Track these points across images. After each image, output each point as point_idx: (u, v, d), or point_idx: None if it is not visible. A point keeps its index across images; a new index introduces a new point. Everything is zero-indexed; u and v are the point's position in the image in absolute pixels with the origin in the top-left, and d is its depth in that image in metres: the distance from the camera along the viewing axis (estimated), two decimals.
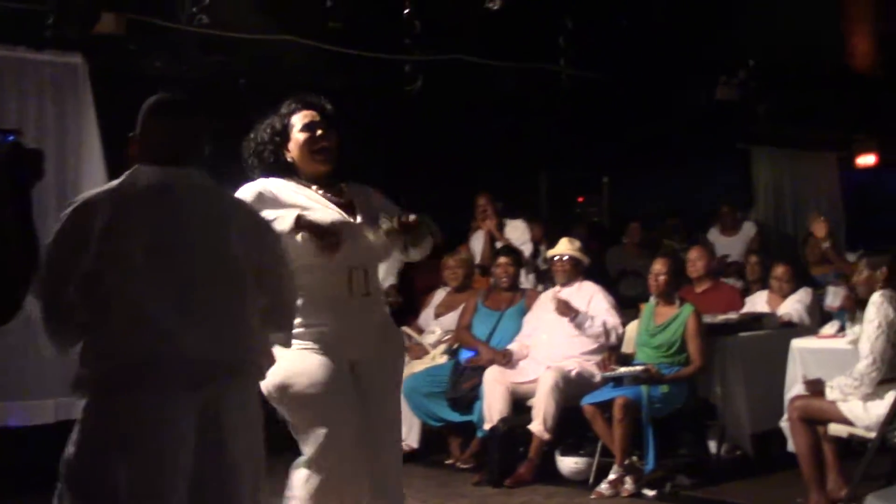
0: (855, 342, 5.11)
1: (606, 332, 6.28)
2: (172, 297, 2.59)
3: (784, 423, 5.43)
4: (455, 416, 6.49)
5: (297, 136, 3.53)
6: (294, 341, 3.15)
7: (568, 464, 6.04)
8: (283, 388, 3.33)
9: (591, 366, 6.19)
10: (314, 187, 3.52)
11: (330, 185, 3.56)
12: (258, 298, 2.79)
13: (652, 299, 6.18)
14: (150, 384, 2.54)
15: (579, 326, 6.22)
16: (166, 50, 6.41)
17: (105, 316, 2.56)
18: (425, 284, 7.89)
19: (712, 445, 6.17)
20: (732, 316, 6.50)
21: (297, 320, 3.18)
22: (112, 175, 6.08)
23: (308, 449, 3.40)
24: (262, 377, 2.90)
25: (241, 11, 6.13)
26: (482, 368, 6.35)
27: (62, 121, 6.08)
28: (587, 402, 5.84)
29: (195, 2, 5.77)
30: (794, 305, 6.69)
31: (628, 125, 8.72)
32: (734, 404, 6.02)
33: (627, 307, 6.69)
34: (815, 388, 5.11)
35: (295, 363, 3.30)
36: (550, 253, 6.66)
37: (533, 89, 7.89)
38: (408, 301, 7.85)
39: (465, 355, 6.69)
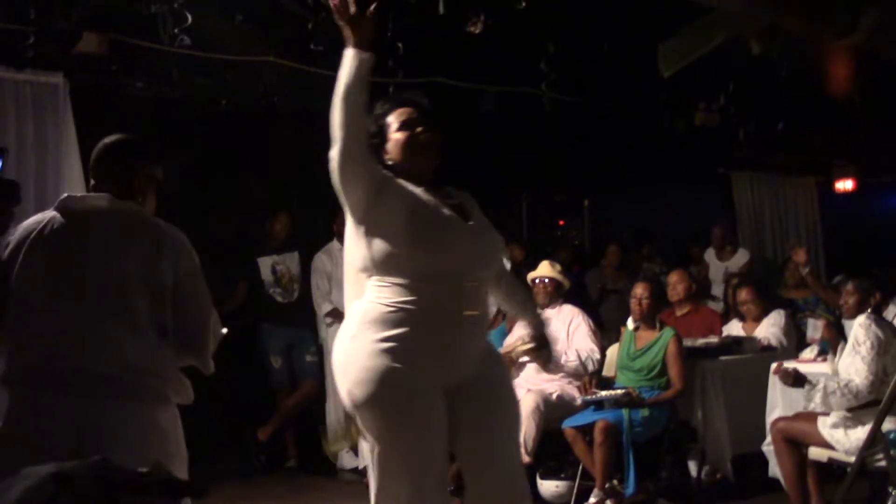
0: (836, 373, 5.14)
1: (583, 364, 6.26)
2: (64, 311, 2.87)
3: (766, 447, 5.44)
4: None
5: (396, 135, 3.20)
6: (383, 352, 2.95)
7: (549, 487, 6.02)
8: (367, 396, 2.98)
9: (571, 389, 6.18)
10: (420, 190, 3.16)
11: (435, 187, 3.23)
12: (156, 318, 2.94)
13: (631, 323, 6.19)
14: (34, 384, 2.86)
15: (556, 366, 6.16)
16: (148, 70, 6.40)
17: (11, 325, 2.92)
18: None
19: (693, 468, 6.17)
20: (713, 339, 6.52)
21: (394, 332, 2.97)
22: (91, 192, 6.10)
23: (381, 482, 3.08)
24: (164, 402, 2.99)
25: (224, 33, 6.13)
26: None
27: (43, 140, 6.04)
28: (568, 425, 5.83)
29: (177, 22, 5.76)
30: (769, 329, 6.73)
31: (609, 149, 8.76)
32: (715, 427, 6.03)
33: (608, 329, 6.69)
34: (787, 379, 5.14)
35: (384, 378, 2.95)
36: (531, 276, 6.66)
37: (514, 113, 7.92)
38: None
39: None
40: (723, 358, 6.30)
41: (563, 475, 6.03)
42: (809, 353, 6.05)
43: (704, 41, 5.97)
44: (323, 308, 7.43)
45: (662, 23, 6.43)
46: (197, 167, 6.93)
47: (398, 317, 2.99)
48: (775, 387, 5.68)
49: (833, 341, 5.66)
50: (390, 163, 3.19)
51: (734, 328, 6.95)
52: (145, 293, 2.91)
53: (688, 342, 6.22)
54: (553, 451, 6.08)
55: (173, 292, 2.96)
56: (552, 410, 6.00)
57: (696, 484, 6.13)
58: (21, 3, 5.62)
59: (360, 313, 3.07)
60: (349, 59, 2.95)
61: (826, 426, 4.99)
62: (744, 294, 6.90)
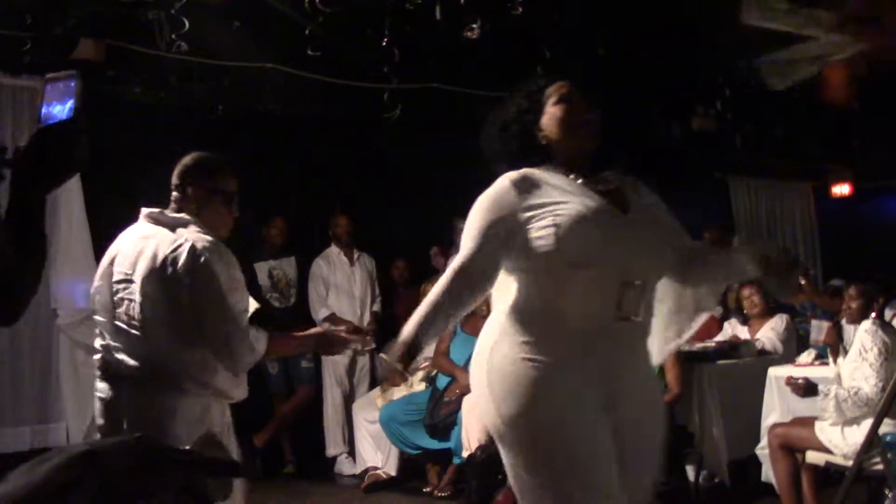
0: (837, 377, 5.14)
1: None
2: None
3: (760, 451, 5.44)
4: (433, 444, 6.47)
5: (553, 109, 2.83)
6: (534, 361, 2.61)
7: None
8: (517, 420, 2.60)
9: None
10: (571, 175, 2.80)
11: (591, 171, 2.85)
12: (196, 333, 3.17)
13: None
14: None
15: None
16: (145, 76, 6.41)
17: None
18: (405, 311, 7.88)
19: (690, 473, 6.17)
20: (710, 344, 6.52)
21: (544, 339, 2.64)
22: (88, 200, 6.10)
23: None
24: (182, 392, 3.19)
25: (221, 38, 6.13)
26: (460, 396, 6.34)
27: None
28: None
29: (174, 28, 5.76)
30: (766, 334, 6.74)
31: (606, 154, 8.75)
32: (711, 432, 6.03)
33: None
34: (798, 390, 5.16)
35: (537, 391, 2.59)
36: None
37: None
38: (390, 328, 7.84)
39: (443, 382, 6.67)
40: (720, 362, 6.30)
41: None
42: (807, 356, 6.06)
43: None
44: (320, 313, 7.43)
45: (658, 28, 6.44)
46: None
47: (547, 323, 2.65)
48: (772, 391, 5.68)
49: (834, 345, 5.67)
50: (543, 142, 2.84)
51: (736, 329, 6.94)
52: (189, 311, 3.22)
53: (685, 346, 6.21)
54: None
55: (202, 312, 3.18)
56: None
57: (693, 488, 6.12)
58: (18, 9, 5.63)
59: (505, 319, 2.74)
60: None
61: (823, 431, 4.99)
62: (746, 291, 6.89)
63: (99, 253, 6.03)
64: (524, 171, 2.76)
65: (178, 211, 3.34)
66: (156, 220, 3.31)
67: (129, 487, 1.26)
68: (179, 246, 3.16)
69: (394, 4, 5.75)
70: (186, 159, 3.40)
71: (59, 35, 5.66)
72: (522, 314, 2.69)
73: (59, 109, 1.86)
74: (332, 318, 7.35)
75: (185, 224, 3.27)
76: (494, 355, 2.70)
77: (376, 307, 7.82)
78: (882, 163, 10.16)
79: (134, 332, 3.21)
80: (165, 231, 3.25)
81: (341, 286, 7.58)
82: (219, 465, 1.41)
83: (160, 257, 3.17)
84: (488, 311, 2.89)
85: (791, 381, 5.32)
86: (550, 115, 2.83)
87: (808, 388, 5.16)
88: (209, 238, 3.20)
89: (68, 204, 6.11)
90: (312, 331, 3.63)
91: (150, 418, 3.12)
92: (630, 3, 6.21)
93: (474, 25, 6.22)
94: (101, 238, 6.11)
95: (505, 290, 2.78)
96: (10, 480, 1.18)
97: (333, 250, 7.66)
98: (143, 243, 3.25)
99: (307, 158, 7.86)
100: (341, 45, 6.40)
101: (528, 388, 2.58)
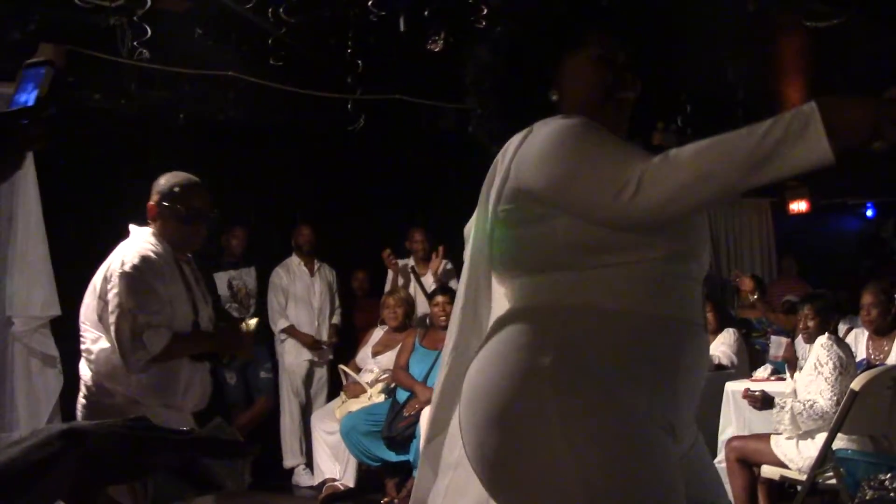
0: (794, 392, 5.21)
1: None
2: None
3: (717, 464, 5.48)
4: (391, 456, 6.45)
5: (591, 68, 2.10)
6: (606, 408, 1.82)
7: None
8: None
9: None
10: None
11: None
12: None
13: None
14: None
15: None
16: (106, 83, 6.35)
17: None
18: (364, 322, 7.87)
19: None
20: None
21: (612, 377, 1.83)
22: (46, 207, 6.03)
23: None
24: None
25: (183, 46, 6.10)
26: (419, 410, 6.34)
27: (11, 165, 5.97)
28: None
29: (136, 35, 5.72)
30: (719, 348, 6.80)
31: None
32: None
33: None
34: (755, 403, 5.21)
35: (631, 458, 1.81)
36: None
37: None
38: (347, 339, 7.83)
39: (402, 396, 6.66)
40: None
41: None
42: (763, 371, 6.12)
43: None
44: (279, 324, 7.40)
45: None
46: (153, 180, 6.88)
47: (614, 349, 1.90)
48: (729, 405, 5.73)
49: (791, 361, 5.74)
50: (550, 102, 2.14)
51: None
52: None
53: None
54: None
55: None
56: None
57: None
58: None
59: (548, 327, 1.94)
60: None
61: (779, 445, 5.05)
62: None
63: (56, 260, 5.99)
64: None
65: (146, 224, 3.65)
66: (129, 234, 3.64)
67: (114, 465, 1.24)
68: (118, 257, 3.49)
69: (358, 15, 5.75)
70: (160, 177, 3.73)
71: (17, 40, 5.60)
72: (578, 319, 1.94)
73: (26, 97, 1.88)
74: (291, 330, 7.32)
75: (142, 236, 3.59)
76: (535, 379, 1.88)
77: (336, 319, 7.79)
78: (838, 180, 10.32)
79: (83, 342, 3.54)
80: (126, 242, 3.58)
81: (300, 297, 7.56)
82: (219, 446, 1.37)
83: (106, 267, 3.51)
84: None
85: (748, 394, 5.37)
86: (583, 73, 2.12)
87: (764, 401, 5.21)
88: (144, 251, 3.49)
89: (26, 211, 6.03)
90: (219, 329, 3.84)
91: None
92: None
93: (438, 38, 6.23)
94: (58, 245, 6.07)
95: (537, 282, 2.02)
96: None
97: (294, 260, 7.64)
98: (112, 256, 3.56)
99: (268, 168, 7.83)
100: (305, 55, 6.39)
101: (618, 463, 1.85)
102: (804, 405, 4.92)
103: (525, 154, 1.97)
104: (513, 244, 2.03)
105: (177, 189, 3.65)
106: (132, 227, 3.69)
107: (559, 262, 1.94)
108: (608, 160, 1.86)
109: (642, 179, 1.75)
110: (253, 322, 3.92)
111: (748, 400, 5.36)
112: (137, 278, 3.42)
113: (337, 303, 7.84)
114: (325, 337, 7.61)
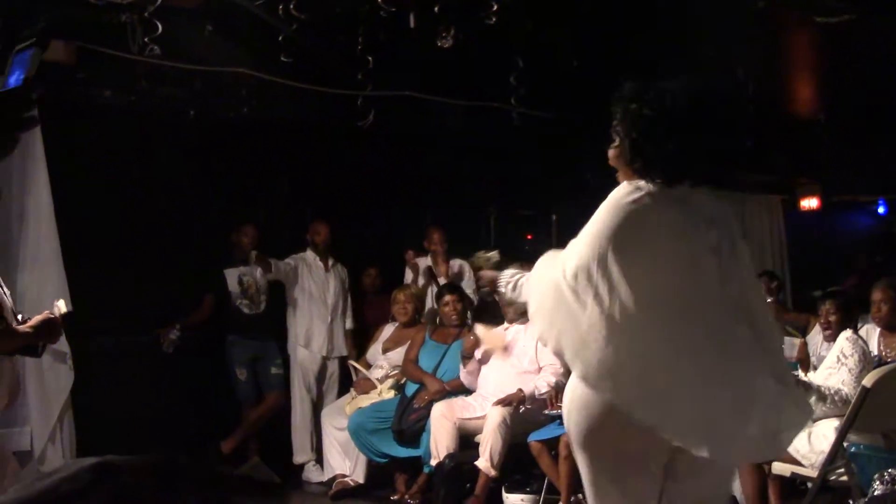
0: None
1: (554, 386, 6.16)
2: None
3: None
4: (401, 451, 6.46)
5: None
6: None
7: (514, 500, 6.02)
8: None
9: (538, 402, 6.19)
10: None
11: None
12: None
13: None
14: None
15: (532, 403, 6.16)
16: (116, 79, 6.37)
17: None
18: (374, 319, 7.88)
19: None
20: None
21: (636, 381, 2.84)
22: (58, 203, 6.05)
23: None
24: None
25: (193, 43, 6.11)
26: (430, 402, 6.36)
27: (9, 149, 6.00)
28: (534, 438, 5.84)
29: (147, 32, 5.73)
30: None
31: (577, 164, 8.79)
32: None
33: None
34: None
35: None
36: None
37: (483, 126, 7.95)
38: (357, 335, 7.84)
39: (411, 390, 6.67)
40: None
41: (528, 489, 6.03)
42: None
43: None
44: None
45: (631, 39, 6.48)
46: (164, 177, 6.90)
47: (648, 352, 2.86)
48: None
49: (805, 361, 5.72)
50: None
51: None
52: None
53: None
54: (519, 465, 6.08)
55: None
56: (518, 424, 6.00)
57: (660, 498, 6.13)
58: None
59: None
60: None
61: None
62: None
63: (67, 256, 6.01)
64: None
65: None
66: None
67: (147, 501, 1.24)
68: None
69: (368, 11, 5.75)
70: None
71: (29, 37, 5.62)
72: None
73: (15, 78, 1.90)
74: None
75: None
76: None
77: (349, 323, 7.79)
78: (849, 177, 10.29)
79: None
80: None
81: (315, 293, 7.56)
82: (252, 486, 1.38)
83: None
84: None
85: None
86: None
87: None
88: None
89: (37, 208, 6.05)
90: (35, 319, 3.84)
91: None
92: (609, 13, 6.23)
93: (448, 34, 6.23)
94: (70, 241, 6.10)
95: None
96: (10, 493, 1.16)
97: (310, 255, 7.64)
98: None
99: (279, 165, 7.84)
100: (315, 52, 6.39)
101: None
102: (829, 392, 4.94)
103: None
104: None
105: None
106: None
107: None
108: None
109: None
110: (61, 303, 4.01)
111: None
112: None
113: (349, 302, 7.84)
114: (338, 340, 7.63)
